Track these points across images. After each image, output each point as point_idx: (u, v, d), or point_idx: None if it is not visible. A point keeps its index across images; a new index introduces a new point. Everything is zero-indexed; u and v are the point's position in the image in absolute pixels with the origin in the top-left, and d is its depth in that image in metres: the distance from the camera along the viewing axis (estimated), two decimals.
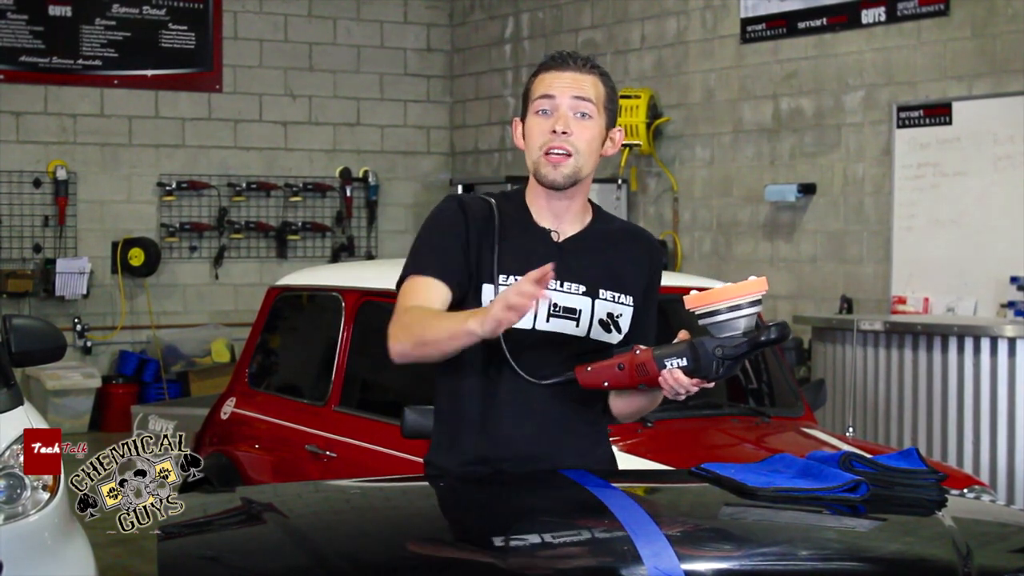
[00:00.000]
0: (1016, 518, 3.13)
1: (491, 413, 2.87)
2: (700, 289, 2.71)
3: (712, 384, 2.72)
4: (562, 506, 2.70)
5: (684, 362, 2.68)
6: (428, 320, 2.74)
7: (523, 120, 2.95)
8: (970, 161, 7.91)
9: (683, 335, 2.73)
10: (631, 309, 2.95)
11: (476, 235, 2.89)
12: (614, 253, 2.97)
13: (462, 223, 2.89)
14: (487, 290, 2.86)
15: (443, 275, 2.84)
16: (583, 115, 2.87)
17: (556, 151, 2.85)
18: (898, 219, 8.31)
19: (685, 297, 2.69)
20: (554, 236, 2.93)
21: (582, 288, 2.91)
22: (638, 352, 2.74)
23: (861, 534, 2.60)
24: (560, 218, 2.94)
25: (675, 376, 2.69)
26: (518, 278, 2.82)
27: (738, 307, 2.64)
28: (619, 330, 2.93)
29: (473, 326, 2.62)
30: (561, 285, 2.89)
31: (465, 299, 2.88)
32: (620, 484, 2.73)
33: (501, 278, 2.86)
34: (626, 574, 2.27)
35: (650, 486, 3.03)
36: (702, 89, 9.71)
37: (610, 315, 2.92)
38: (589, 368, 2.80)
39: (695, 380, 2.69)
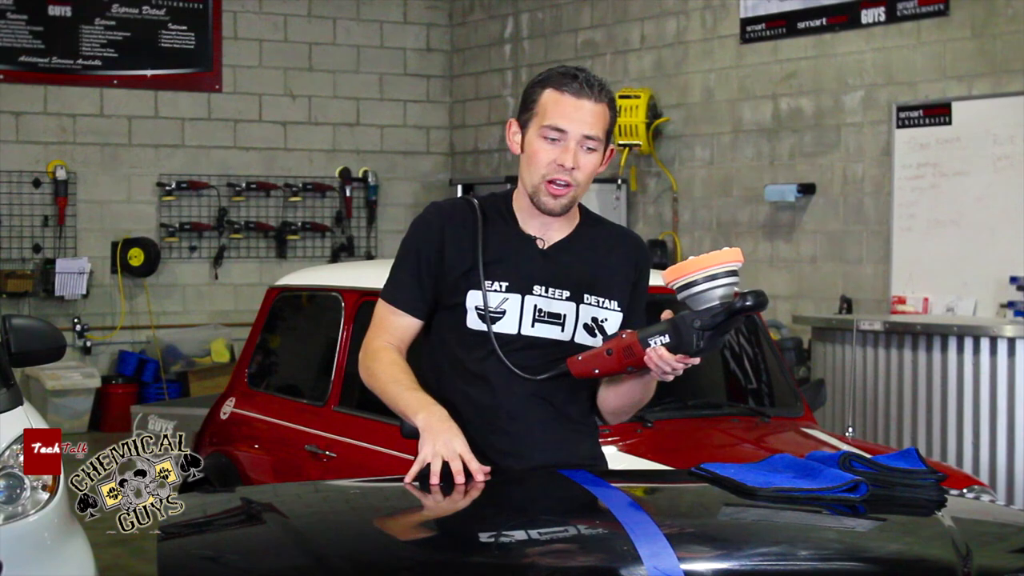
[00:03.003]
0: (1016, 518, 3.13)
1: (480, 410, 2.92)
2: None
3: (697, 360, 2.75)
4: (562, 506, 2.71)
5: (666, 339, 2.73)
6: (389, 384, 2.93)
7: (522, 126, 2.96)
8: (970, 161, 7.91)
9: (666, 314, 2.78)
10: (618, 314, 3.00)
11: (455, 243, 2.93)
12: (600, 257, 3.01)
13: (437, 239, 2.95)
14: (473, 296, 2.91)
15: (412, 308, 2.98)
16: (589, 149, 2.91)
17: (560, 183, 2.89)
18: (898, 219, 8.31)
19: (662, 272, 2.73)
20: (539, 243, 2.98)
21: (566, 293, 2.96)
22: (624, 336, 2.81)
23: (861, 534, 2.60)
24: (547, 226, 2.99)
25: (659, 354, 2.74)
26: (503, 284, 2.88)
27: (714, 277, 2.67)
28: (604, 334, 2.97)
29: (418, 421, 2.82)
30: (546, 291, 2.94)
31: (451, 302, 2.94)
32: (620, 484, 2.73)
33: (487, 284, 2.90)
34: (626, 574, 2.27)
35: (650, 486, 3.03)
36: (702, 89, 9.71)
37: (595, 319, 2.98)
38: (580, 358, 2.87)
39: (679, 356, 2.74)
